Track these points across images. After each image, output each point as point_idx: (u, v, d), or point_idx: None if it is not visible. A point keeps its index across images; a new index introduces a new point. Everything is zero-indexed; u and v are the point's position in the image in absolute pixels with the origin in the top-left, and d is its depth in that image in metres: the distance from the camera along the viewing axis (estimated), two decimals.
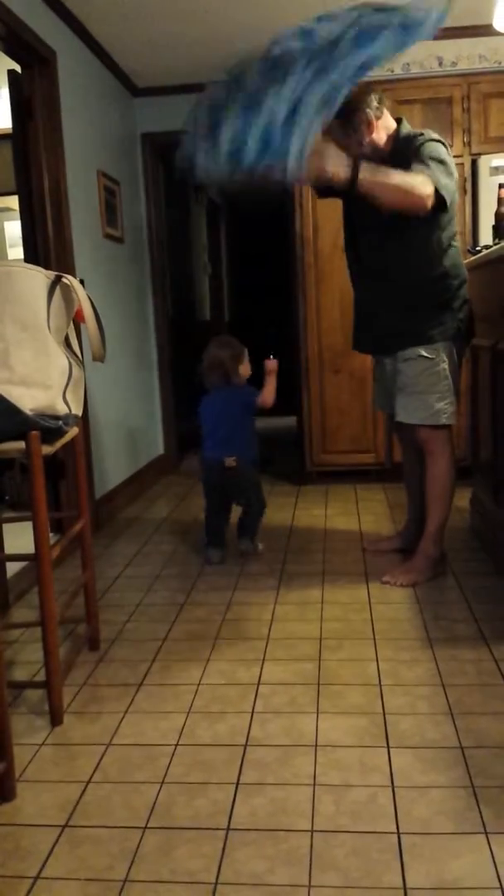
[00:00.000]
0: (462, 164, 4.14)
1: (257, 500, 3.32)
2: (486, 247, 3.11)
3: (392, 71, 4.13)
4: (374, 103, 2.65)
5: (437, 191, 2.49)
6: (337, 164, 2.44)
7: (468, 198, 4.20)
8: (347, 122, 2.64)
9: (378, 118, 2.66)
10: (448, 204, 2.57)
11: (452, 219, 2.72)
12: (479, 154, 4.15)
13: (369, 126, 2.65)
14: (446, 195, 2.53)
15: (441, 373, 2.75)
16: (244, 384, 3.25)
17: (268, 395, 3.19)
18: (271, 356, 3.23)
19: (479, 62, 4.14)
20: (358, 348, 3.07)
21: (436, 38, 4.11)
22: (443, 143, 2.62)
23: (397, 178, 2.47)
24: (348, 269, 2.98)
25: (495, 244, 2.94)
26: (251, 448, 3.24)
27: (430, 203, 2.49)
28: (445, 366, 2.75)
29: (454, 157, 4.02)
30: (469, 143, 4.16)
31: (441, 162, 2.55)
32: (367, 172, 2.44)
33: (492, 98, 4.14)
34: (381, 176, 2.46)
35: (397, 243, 2.70)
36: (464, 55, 4.14)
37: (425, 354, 2.73)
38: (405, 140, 2.66)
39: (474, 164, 4.16)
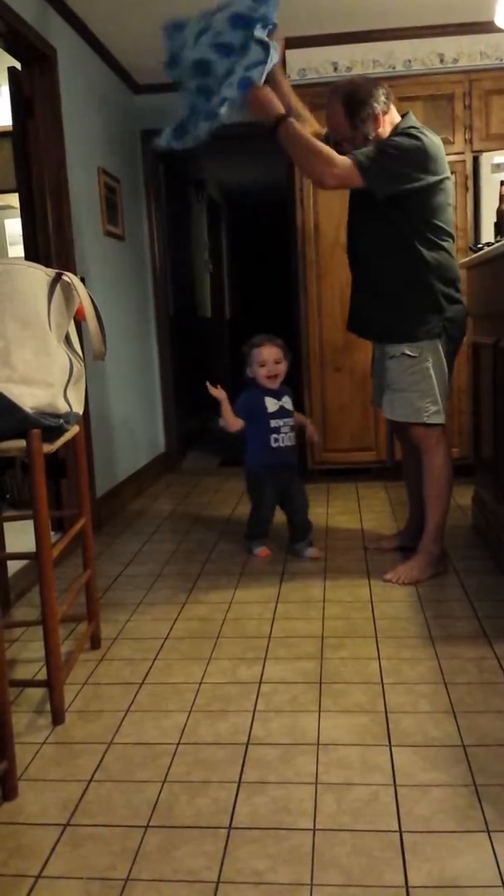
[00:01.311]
0: (464, 161, 4.14)
1: (250, 502, 3.41)
2: (488, 244, 3.10)
3: (394, 68, 4.12)
4: (382, 98, 2.64)
5: (361, 169, 2.54)
6: (266, 114, 2.60)
7: (469, 195, 4.19)
8: (355, 115, 2.64)
9: (385, 113, 2.66)
10: (374, 178, 2.56)
11: (440, 216, 2.69)
12: (481, 151, 4.14)
13: (375, 120, 2.64)
14: (368, 172, 2.55)
15: (424, 371, 2.74)
16: (249, 388, 3.24)
17: (224, 422, 3.21)
18: (216, 385, 3.17)
19: (480, 59, 4.13)
20: (349, 328, 3.06)
21: (438, 34, 4.14)
22: (420, 137, 2.59)
23: (308, 143, 2.59)
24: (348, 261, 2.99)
25: (497, 241, 2.94)
26: (248, 453, 3.34)
27: (330, 179, 2.58)
28: (429, 364, 2.74)
29: (456, 153, 4.08)
30: (470, 140, 4.15)
31: (392, 148, 2.56)
32: (284, 130, 2.59)
33: (493, 95, 4.13)
34: (296, 137, 2.59)
35: (383, 242, 2.71)
36: (465, 52, 4.13)
37: (409, 353, 2.73)
38: (398, 136, 2.65)
39: (476, 161, 4.15)
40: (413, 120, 2.71)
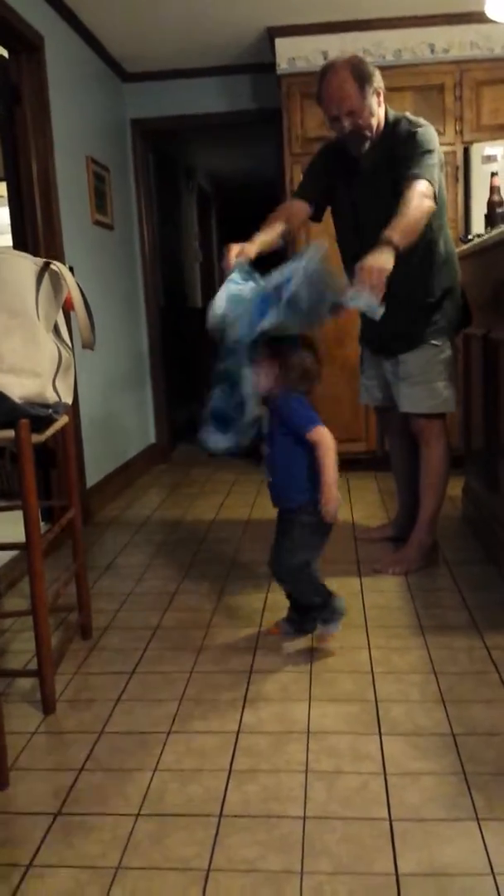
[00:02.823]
0: (454, 152, 4.13)
1: (294, 560, 2.29)
2: (478, 235, 3.10)
3: (384, 58, 4.10)
4: (379, 76, 2.61)
5: (430, 182, 2.50)
6: (382, 259, 2.33)
7: (460, 186, 4.19)
8: (365, 86, 2.55)
9: (382, 94, 2.63)
10: (437, 183, 2.56)
11: (443, 203, 2.71)
12: (472, 142, 4.14)
13: (379, 96, 2.59)
14: (434, 181, 2.53)
15: (446, 360, 2.76)
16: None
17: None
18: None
19: (471, 49, 4.11)
20: (363, 343, 3.05)
21: (428, 24, 4.13)
22: (428, 126, 2.62)
23: (410, 215, 2.42)
24: (343, 265, 2.87)
25: (487, 233, 2.94)
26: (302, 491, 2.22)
27: (432, 204, 2.51)
28: (450, 352, 2.77)
29: (446, 144, 4.08)
30: (461, 131, 4.15)
31: (432, 152, 2.55)
32: (399, 244, 2.37)
33: (484, 85, 4.13)
34: (404, 230, 2.39)
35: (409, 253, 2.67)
36: (455, 42, 4.12)
37: (434, 342, 2.74)
38: (394, 123, 2.64)
39: (466, 152, 4.15)
40: (393, 111, 2.70)
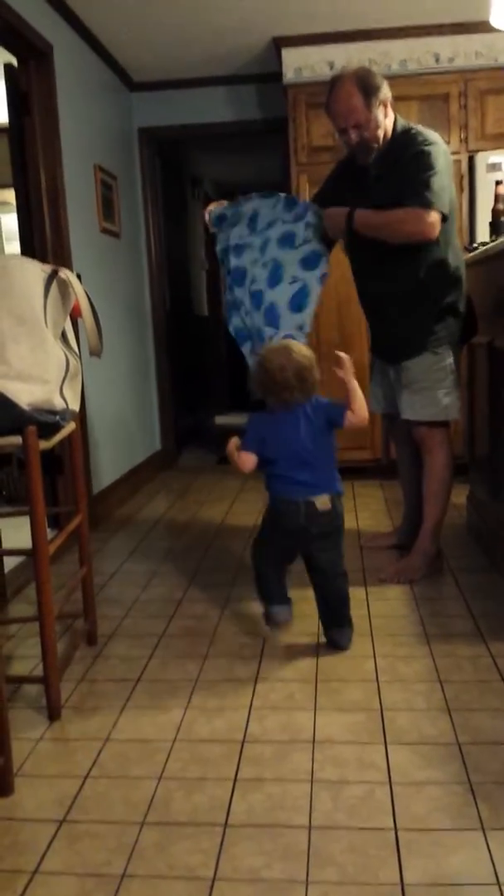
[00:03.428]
0: (459, 160, 4.14)
1: (341, 555, 2.34)
2: (483, 244, 3.10)
3: (389, 67, 4.12)
4: (386, 87, 2.62)
5: (439, 207, 2.53)
6: (338, 223, 2.70)
7: (465, 195, 4.20)
8: (371, 97, 2.57)
9: (391, 103, 2.64)
10: (446, 207, 2.58)
11: (453, 217, 2.71)
12: (477, 151, 4.15)
13: (385, 108, 2.61)
14: (443, 207, 2.56)
15: (448, 367, 2.76)
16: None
17: (360, 408, 2.29)
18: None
19: (476, 58, 4.13)
20: (372, 353, 3.07)
21: (433, 34, 4.14)
22: (439, 143, 2.62)
23: (384, 216, 2.60)
24: (353, 273, 2.96)
25: (492, 241, 2.94)
26: (338, 478, 2.35)
27: (435, 232, 2.55)
28: (451, 360, 2.77)
29: (451, 153, 4.06)
30: (466, 140, 4.16)
31: (438, 174, 2.55)
32: (357, 221, 2.65)
33: (489, 94, 4.14)
34: (368, 218, 2.64)
35: (410, 263, 2.68)
36: (461, 51, 4.13)
37: (434, 350, 2.74)
38: (403, 134, 2.64)
39: (471, 160, 4.16)
40: (402, 120, 2.71)
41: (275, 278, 2.76)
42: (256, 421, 2.28)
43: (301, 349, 2.25)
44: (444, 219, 2.58)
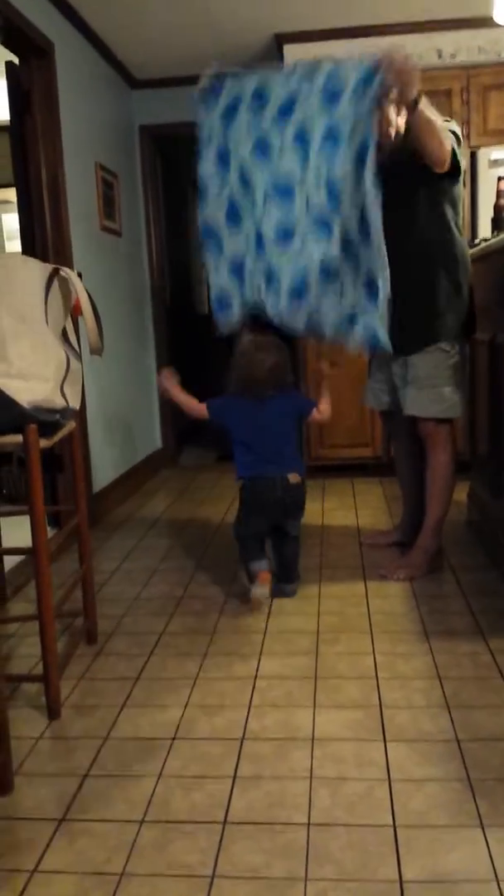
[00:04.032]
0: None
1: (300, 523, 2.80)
2: (485, 240, 3.10)
3: None
4: None
5: (453, 156, 2.54)
6: (411, 87, 2.29)
7: (467, 191, 4.19)
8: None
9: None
10: (460, 171, 2.61)
11: (458, 201, 2.72)
12: (478, 147, 4.14)
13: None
14: (458, 158, 2.57)
15: (457, 365, 2.75)
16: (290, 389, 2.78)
17: (326, 407, 2.75)
18: (328, 363, 2.90)
19: (478, 54, 4.12)
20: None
21: (436, 30, 4.13)
22: (452, 124, 2.65)
23: (433, 129, 2.43)
24: None
25: (494, 237, 2.94)
26: (301, 461, 2.79)
27: (448, 161, 2.53)
28: (459, 357, 2.76)
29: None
30: (468, 136, 4.15)
31: (454, 135, 2.58)
32: (423, 106, 2.37)
33: (491, 90, 4.13)
34: (428, 119, 2.40)
35: (414, 224, 2.67)
36: (463, 47, 4.13)
37: (444, 347, 2.73)
38: None
39: (473, 156, 4.15)
40: None
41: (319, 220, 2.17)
42: (233, 401, 2.68)
43: (279, 349, 2.66)
44: (458, 171, 2.59)
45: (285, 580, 2.74)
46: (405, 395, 2.82)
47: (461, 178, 2.67)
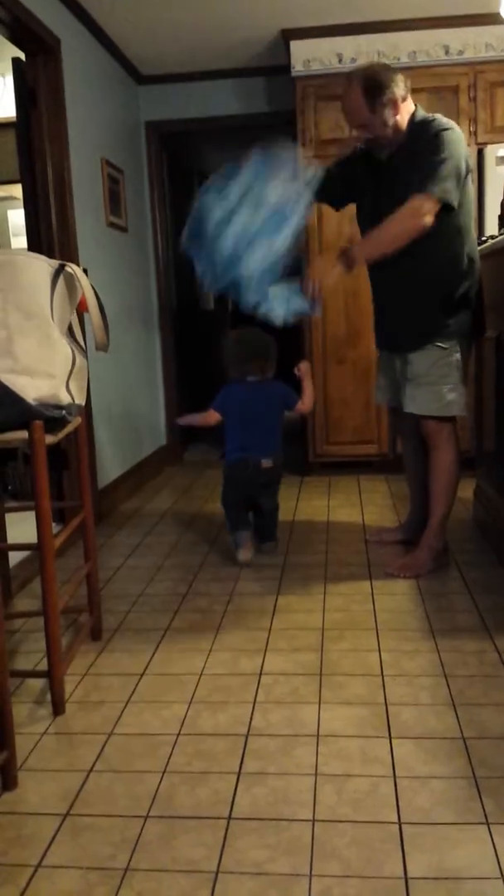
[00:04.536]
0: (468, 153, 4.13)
1: (277, 494, 3.23)
2: (492, 237, 3.09)
3: (399, 59, 4.10)
4: (402, 83, 2.61)
5: (441, 196, 2.52)
6: (330, 270, 2.68)
7: (474, 188, 4.16)
8: (374, 99, 2.59)
9: (403, 99, 2.63)
10: (454, 203, 2.57)
11: (468, 202, 2.69)
12: (486, 143, 4.13)
13: (394, 106, 2.60)
14: (451, 199, 2.55)
15: (454, 363, 2.73)
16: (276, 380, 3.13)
17: (309, 400, 3.09)
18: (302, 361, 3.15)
19: (485, 51, 4.10)
20: (377, 345, 3.06)
21: (443, 26, 4.12)
22: (453, 127, 2.60)
23: (380, 231, 2.62)
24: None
25: (501, 234, 2.93)
26: (282, 447, 3.13)
27: (429, 220, 2.54)
28: (458, 356, 2.74)
29: None
30: (475, 133, 4.14)
31: (445, 161, 2.53)
32: (358, 252, 2.67)
33: (498, 87, 4.12)
34: (373, 244, 2.66)
35: (424, 248, 2.65)
36: (470, 44, 4.11)
37: (441, 345, 2.72)
38: (420, 124, 2.63)
39: (480, 153, 4.13)
40: (422, 111, 2.69)
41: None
42: (227, 390, 3.08)
43: (260, 337, 3.08)
44: (449, 207, 2.56)
45: (261, 539, 3.18)
46: (404, 392, 2.82)
47: (463, 194, 2.64)
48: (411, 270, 2.70)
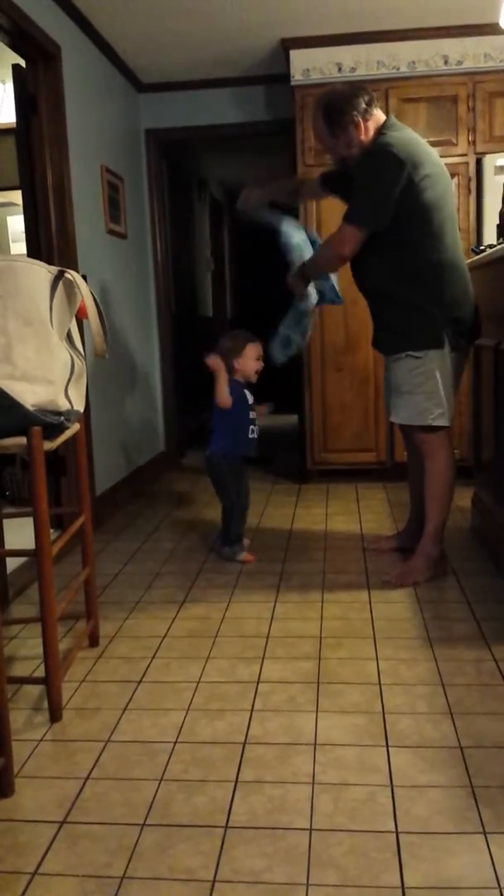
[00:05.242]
0: (466, 163, 4.14)
1: (227, 498, 3.23)
2: (490, 246, 3.10)
3: (398, 69, 4.12)
4: (362, 104, 2.64)
5: (359, 223, 2.63)
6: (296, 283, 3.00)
7: (472, 197, 4.19)
8: (335, 124, 2.66)
9: (366, 119, 2.65)
10: (376, 227, 2.63)
11: (432, 217, 2.64)
12: (484, 153, 4.14)
13: (357, 128, 2.65)
14: (372, 226, 2.63)
15: (428, 373, 2.72)
16: (232, 379, 3.15)
17: (217, 395, 3.14)
18: (209, 354, 3.16)
19: (484, 61, 4.12)
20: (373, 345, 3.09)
21: (442, 36, 4.14)
22: (388, 146, 2.57)
23: (313, 258, 2.96)
24: None
25: (499, 243, 2.94)
26: (219, 443, 3.21)
27: (348, 249, 2.68)
28: (434, 365, 2.71)
29: (459, 155, 4.09)
30: (474, 142, 4.16)
31: (369, 188, 2.61)
32: (306, 268, 2.95)
33: (497, 97, 4.13)
34: (311, 265, 2.95)
35: (370, 244, 2.69)
36: (469, 54, 4.13)
37: (413, 354, 2.73)
38: (372, 145, 2.65)
39: (479, 162, 4.16)
40: (392, 123, 2.69)
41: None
42: (232, 383, 3.16)
43: (234, 337, 3.23)
44: (374, 231, 2.64)
45: (225, 543, 3.27)
46: (391, 400, 2.86)
47: (440, 204, 2.66)
48: (377, 282, 2.79)
